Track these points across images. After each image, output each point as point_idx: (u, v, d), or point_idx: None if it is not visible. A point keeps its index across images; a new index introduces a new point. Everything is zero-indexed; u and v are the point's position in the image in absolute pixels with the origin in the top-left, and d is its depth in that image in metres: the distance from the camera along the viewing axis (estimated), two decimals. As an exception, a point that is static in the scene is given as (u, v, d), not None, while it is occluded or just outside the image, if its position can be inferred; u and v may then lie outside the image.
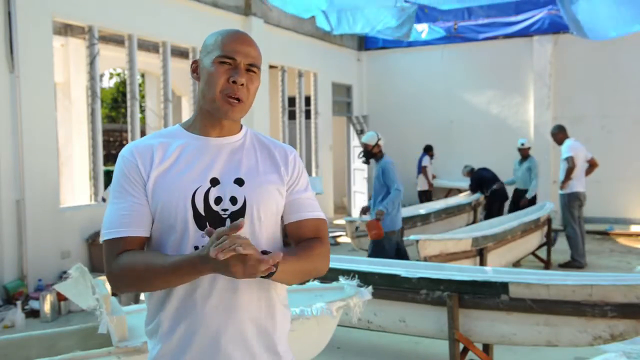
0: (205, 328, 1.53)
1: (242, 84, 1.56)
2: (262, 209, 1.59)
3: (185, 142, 1.61)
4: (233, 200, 1.57)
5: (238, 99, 1.56)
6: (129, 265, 1.51)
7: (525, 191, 9.13)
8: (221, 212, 1.56)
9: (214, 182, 1.57)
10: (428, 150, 11.96)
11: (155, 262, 1.49)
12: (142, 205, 1.55)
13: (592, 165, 8.04)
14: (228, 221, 1.55)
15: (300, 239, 1.67)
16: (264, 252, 1.44)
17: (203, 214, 1.54)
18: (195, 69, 1.65)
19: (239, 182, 1.58)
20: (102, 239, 1.57)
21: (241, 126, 1.69)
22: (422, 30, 11.46)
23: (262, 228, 1.59)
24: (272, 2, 9.11)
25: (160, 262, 1.48)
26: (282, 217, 1.68)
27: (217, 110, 1.58)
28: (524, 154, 9.35)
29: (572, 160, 7.71)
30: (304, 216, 1.67)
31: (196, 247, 1.53)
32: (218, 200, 1.56)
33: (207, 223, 1.54)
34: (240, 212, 1.57)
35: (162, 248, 1.57)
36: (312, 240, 1.66)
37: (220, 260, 1.34)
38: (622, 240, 10.13)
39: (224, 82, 1.56)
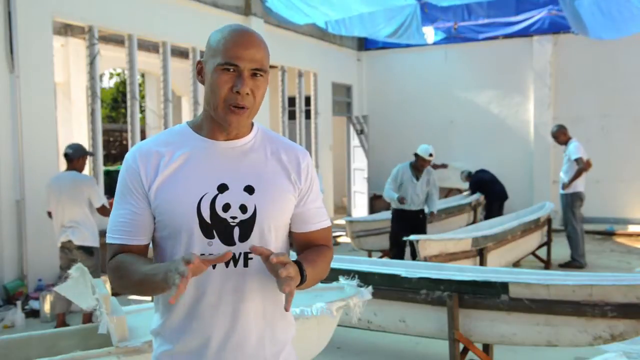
0: (211, 335, 1.53)
1: (247, 93, 1.49)
2: (273, 220, 1.56)
3: (192, 145, 1.55)
4: (243, 209, 1.52)
5: (243, 107, 1.50)
6: (114, 266, 1.54)
7: (422, 211, 7.12)
8: (230, 220, 1.51)
9: (222, 188, 1.52)
10: None
11: (131, 268, 1.49)
12: (140, 214, 1.53)
13: (587, 166, 8.06)
14: (237, 229, 1.52)
15: (307, 247, 1.66)
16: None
17: (209, 221, 1.50)
18: (200, 71, 1.56)
19: (249, 189, 1.53)
20: (106, 240, 1.59)
21: (252, 125, 1.62)
22: (428, 34, 11.50)
23: (272, 238, 1.57)
24: (271, 5, 9.16)
25: (134, 270, 1.48)
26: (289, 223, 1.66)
27: (221, 119, 1.51)
28: (425, 166, 6.95)
29: (582, 161, 7.74)
30: (313, 227, 1.65)
31: (202, 254, 1.50)
32: (226, 207, 1.51)
33: (214, 231, 1.51)
34: (251, 221, 1.53)
35: (168, 255, 1.54)
36: (321, 247, 1.66)
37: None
38: (622, 240, 10.13)
39: (227, 92, 1.48)
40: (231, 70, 1.48)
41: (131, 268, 1.49)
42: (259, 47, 1.52)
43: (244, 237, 1.53)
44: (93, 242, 5.37)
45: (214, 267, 1.51)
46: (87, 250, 5.33)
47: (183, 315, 1.54)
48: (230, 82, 1.48)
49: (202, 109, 1.60)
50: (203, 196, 1.50)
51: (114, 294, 4.38)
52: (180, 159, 1.53)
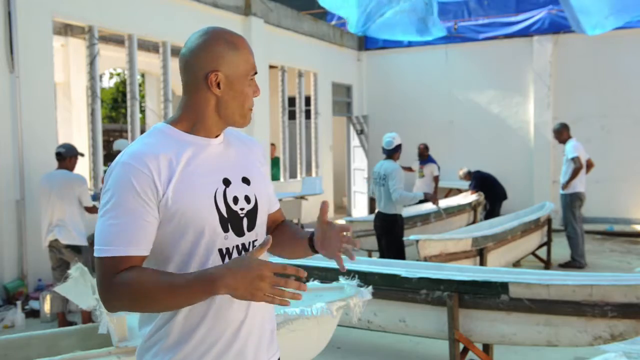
0: (226, 328, 1.53)
1: None
2: (265, 206, 1.67)
3: (190, 144, 1.54)
4: (247, 199, 1.59)
5: None
6: (136, 282, 1.40)
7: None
8: (239, 212, 1.57)
9: (227, 182, 1.57)
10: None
11: (166, 279, 1.41)
12: (149, 222, 1.45)
13: (589, 166, 8.05)
14: (245, 220, 1.58)
15: (270, 227, 1.79)
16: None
17: (225, 215, 1.54)
18: (217, 83, 1.52)
19: (246, 181, 1.61)
20: (97, 254, 1.43)
21: None
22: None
23: (264, 223, 1.68)
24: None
25: (169, 279, 1.40)
26: None
27: (238, 123, 1.61)
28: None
29: (579, 160, 7.72)
30: (274, 208, 1.80)
31: (220, 250, 1.52)
32: (235, 200, 1.57)
33: (229, 224, 1.54)
34: (254, 210, 1.61)
35: (188, 256, 1.50)
36: (288, 223, 1.84)
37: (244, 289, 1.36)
38: (622, 240, 10.13)
39: (251, 98, 1.60)
40: (252, 78, 1.60)
41: (166, 278, 1.41)
42: None
43: (251, 226, 1.60)
44: (80, 240, 5.41)
45: (229, 258, 1.53)
46: (75, 249, 5.38)
47: (195, 312, 1.49)
48: (252, 88, 1.60)
49: (192, 112, 1.56)
50: (216, 192, 1.54)
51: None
52: (184, 159, 1.51)
